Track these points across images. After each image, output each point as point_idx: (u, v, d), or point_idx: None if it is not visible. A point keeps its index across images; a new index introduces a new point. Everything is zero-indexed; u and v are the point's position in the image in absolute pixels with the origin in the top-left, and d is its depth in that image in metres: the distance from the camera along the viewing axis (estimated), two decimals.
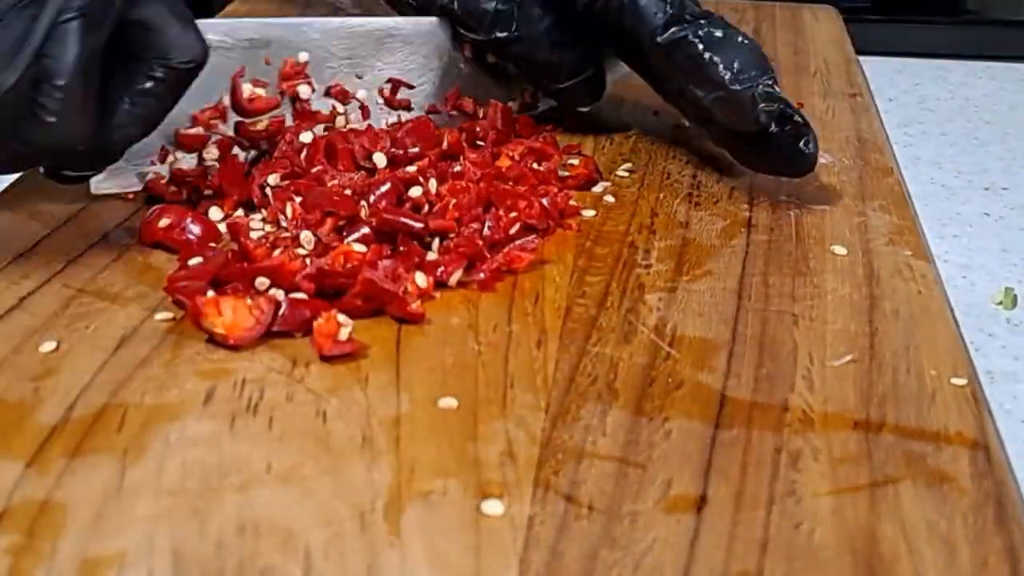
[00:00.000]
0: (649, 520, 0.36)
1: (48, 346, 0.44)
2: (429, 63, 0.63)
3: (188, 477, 0.37)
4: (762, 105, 0.55)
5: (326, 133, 0.58)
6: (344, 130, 0.58)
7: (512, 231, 0.52)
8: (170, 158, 0.55)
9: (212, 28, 0.54)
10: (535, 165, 0.58)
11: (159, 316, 0.46)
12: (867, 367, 0.44)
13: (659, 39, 0.58)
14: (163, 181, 0.55)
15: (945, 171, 0.71)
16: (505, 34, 0.60)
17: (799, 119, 0.57)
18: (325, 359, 0.44)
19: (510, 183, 0.55)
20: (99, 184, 0.54)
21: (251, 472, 0.37)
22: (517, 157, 0.58)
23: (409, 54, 0.62)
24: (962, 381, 0.43)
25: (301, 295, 0.46)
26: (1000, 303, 0.55)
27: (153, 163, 0.55)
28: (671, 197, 0.59)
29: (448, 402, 0.41)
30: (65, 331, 0.45)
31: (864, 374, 0.44)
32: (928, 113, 0.75)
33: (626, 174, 0.61)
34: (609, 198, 0.58)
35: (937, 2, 1.04)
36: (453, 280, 0.49)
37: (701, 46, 0.57)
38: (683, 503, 0.37)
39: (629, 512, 0.36)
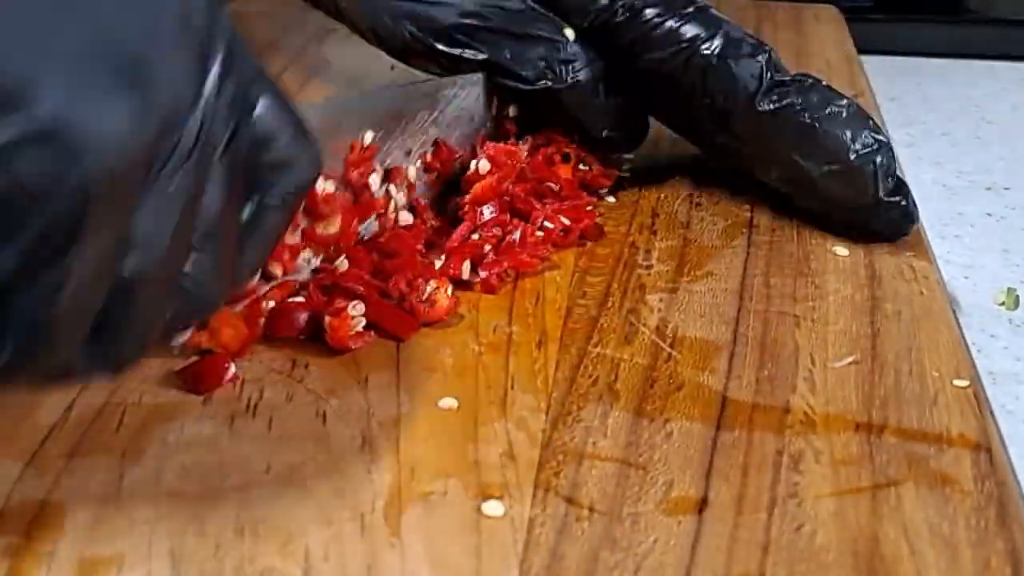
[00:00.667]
0: (650, 522, 0.36)
1: None
2: (462, 121, 0.55)
3: (187, 478, 0.37)
4: (883, 181, 0.52)
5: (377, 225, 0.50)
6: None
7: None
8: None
9: None
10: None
11: None
12: (869, 368, 0.44)
13: (760, 106, 0.53)
14: None
15: (947, 171, 0.71)
16: (551, 84, 0.55)
17: (907, 186, 0.54)
18: (326, 358, 0.43)
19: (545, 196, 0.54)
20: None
21: (250, 473, 0.37)
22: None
23: (445, 114, 0.54)
24: (964, 382, 0.43)
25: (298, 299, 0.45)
26: (1002, 304, 0.55)
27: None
28: (672, 197, 0.58)
29: (448, 403, 0.41)
30: None
31: (866, 375, 0.44)
32: (930, 113, 0.75)
33: (627, 174, 0.61)
34: (610, 198, 0.58)
35: (939, 1, 1.04)
36: (465, 273, 0.48)
37: (808, 115, 0.53)
38: (684, 505, 0.36)
39: (630, 514, 0.36)
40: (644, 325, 0.47)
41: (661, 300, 0.49)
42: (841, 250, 0.53)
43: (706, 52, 0.54)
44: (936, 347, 0.46)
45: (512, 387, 0.42)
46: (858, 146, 0.52)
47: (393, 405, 0.41)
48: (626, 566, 0.34)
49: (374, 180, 0.49)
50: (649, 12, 0.54)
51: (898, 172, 0.53)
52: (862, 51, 0.87)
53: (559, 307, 0.48)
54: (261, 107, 0.33)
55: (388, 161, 0.51)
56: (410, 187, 0.52)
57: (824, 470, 0.38)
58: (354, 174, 0.48)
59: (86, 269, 0.28)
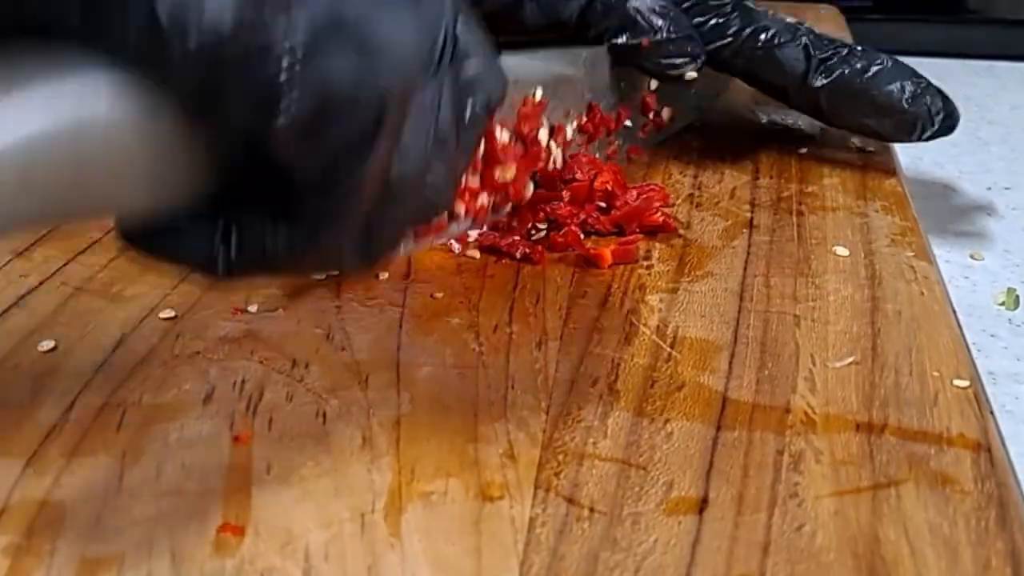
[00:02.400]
0: (650, 522, 0.36)
1: (47, 345, 0.44)
2: (609, 92, 0.60)
3: (187, 478, 0.37)
4: (937, 116, 0.59)
5: (538, 179, 0.54)
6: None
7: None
8: None
9: None
10: None
11: (159, 315, 0.46)
12: (869, 368, 0.44)
13: (814, 84, 0.60)
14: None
15: (947, 171, 0.71)
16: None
17: (949, 105, 0.60)
18: (326, 357, 0.43)
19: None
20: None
21: (251, 473, 0.37)
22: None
23: (596, 83, 0.59)
24: (964, 383, 0.43)
25: None
26: (1002, 304, 0.55)
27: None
28: (672, 198, 0.58)
29: (448, 402, 0.41)
30: (64, 330, 0.45)
31: (866, 375, 0.44)
32: None
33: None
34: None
35: (939, 1, 1.04)
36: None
37: (859, 80, 0.59)
38: (685, 505, 0.36)
39: (630, 514, 0.36)
40: (644, 325, 0.47)
41: (661, 300, 0.49)
42: (841, 250, 0.53)
43: (751, 45, 0.60)
44: (936, 347, 0.46)
45: (512, 387, 0.42)
46: (907, 95, 0.59)
47: (393, 405, 0.41)
48: (626, 566, 0.34)
49: (543, 134, 0.52)
50: (692, 12, 0.60)
51: (940, 101, 0.60)
52: None
53: (559, 307, 0.48)
54: (463, 30, 0.34)
55: (551, 119, 0.54)
56: (566, 144, 0.56)
57: (824, 470, 0.38)
58: (525, 127, 0.51)
59: (376, 171, 0.30)
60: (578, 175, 0.56)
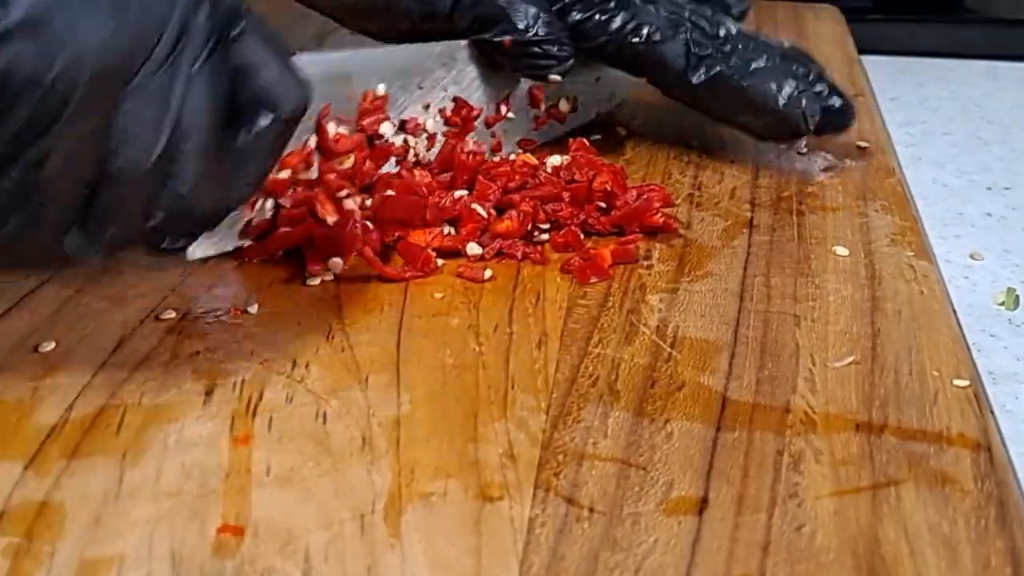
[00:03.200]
0: (650, 522, 0.36)
1: (47, 346, 0.44)
2: (484, 85, 0.61)
3: (187, 479, 0.37)
4: (812, 118, 0.59)
5: (398, 169, 0.56)
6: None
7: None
8: (259, 204, 0.49)
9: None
10: None
11: (159, 316, 0.46)
12: (869, 368, 0.44)
13: (693, 80, 0.60)
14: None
15: (947, 171, 0.71)
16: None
17: (841, 103, 0.61)
18: (326, 358, 0.43)
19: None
20: (195, 250, 0.46)
21: (251, 474, 0.37)
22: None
23: (466, 76, 0.60)
24: (964, 382, 0.43)
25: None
26: (1002, 304, 0.55)
27: (246, 217, 0.49)
28: (672, 198, 0.58)
29: (448, 403, 0.41)
30: (64, 331, 0.45)
31: (866, 375, 0.44)
32: (930, 113, 0.75)
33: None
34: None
35: (938, 1, 1.04)
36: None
37: (737, 77, 0.59)
38: (685, 505, 0.36)
39: (630, 514, 0.36)
40: (644, 325, 0.47)
41: (661, 300, 0.49)
42: (841, 250, 0.53)
43: (634, 41, 0.60)
44: (936, 347, 0.46)
45: (512, 387, 0.42)
46: (783, 96, 0.59)
47: (393, 405, 0.41)
48: (626, 566, 0.34)
49: (386, 128, 0.54)
50: (576, 9, 0.60)
51: (833, 100, 0.61)
52: (862, 51, 0.87)
53: (559, 307, 0.48)
54: (246, 40, 0.38)
55: (407, 113, 0.56)
56: (430, 138, 0.57)
57: (824, 470, 0.38)
58: (366, 121, 0.53)
59: (69, 148, 0.34)
60: (577, 176, 0.56)
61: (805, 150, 0.66)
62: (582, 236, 0.53)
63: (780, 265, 0.52)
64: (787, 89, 0.59)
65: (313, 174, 0.49)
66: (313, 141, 0.49)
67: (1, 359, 0.43)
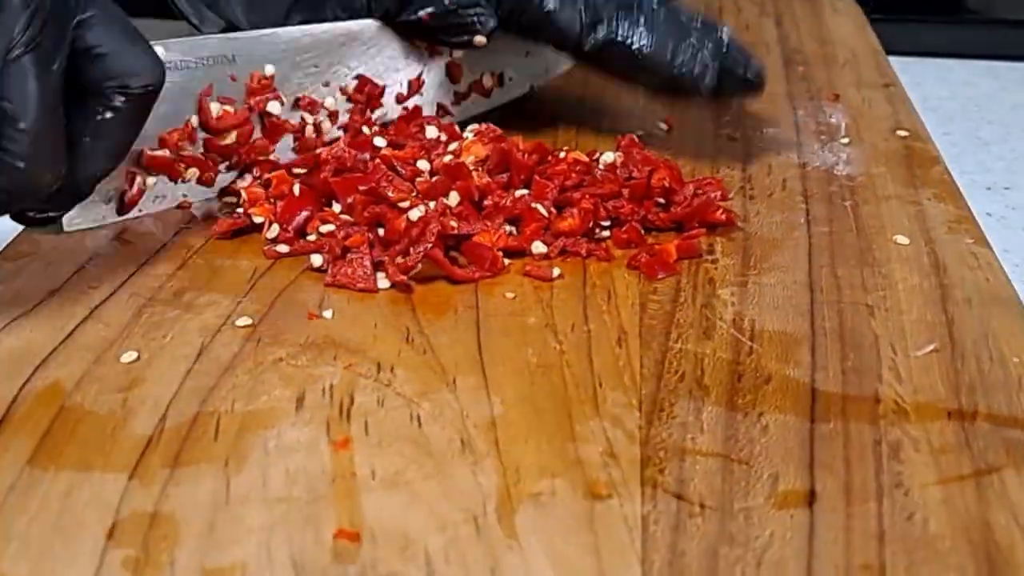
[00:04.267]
0: (763, 516, 0.36)
1: (129, 356, 0.44)
2: (395, 63, 0.63)
3: (294, 485, 0.37)
4: (706, 81, 0.60)
5: (295, 145, 0.58)
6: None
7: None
8: (138, 180, 0.53)
9: (174, 47, 0.52)
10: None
11: (237, 323, 0.46)
12: (950, 356, 0.44)
13: (586, 47, 0.61)
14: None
15: (947, 166, 0.71)
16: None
17: (741, 70, 0.61)
18: (410, 361, 0.43)
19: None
20: (72, 221, 0.50)
21: (356, 478, 0.37)
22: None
23: (373, 56, 0.62)
24: None
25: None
26: None
27: (123, 190, 0.52)
28: (725, 190, 0.58)
29: (539, 402, 0.41)
30: (143, 341, 0.45)
31: (948, 363, 0.44)
32: (930, 113, 0.75)
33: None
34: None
35: (939, 1, 1.05)
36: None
37: (630, 42, 0.60)
38: (794, 498, 0.36)
39: (742, 509, 0.36)
40: (720, 319, 0.47)
41: (732, 294, 0.49)
42: (902, 239, 0.53)
43: (531, 8, 0.61)
44: (1011, 333, 0.46)
45: (600, 385, 0.42)
46: (678, 61, 0.60)
47: (485, 406, 0.41)
48: (747, 561, 0.34)
49: (274, 106, 0.57)
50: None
51: (730, 59, 0.60)
52: None
53: (632, 303, 0.48)
54: (93, 25, 0.44)
55: (307, 91, 0.59)
56: (332, 114, 0.60)
57: (924, 458, 0.38)
58: (252, 100, 0.56)
59: None
60: (635, 172, 0.56)
61: (847, 140, 0.66)
62: (643, 232, 0.53)
63: (844, 256, 0.52)
64: (680, 55, 0.60)
65: (199, 150, 0.54)
66: (195, 120, 0.54)
67: (85, 370, 0.43)
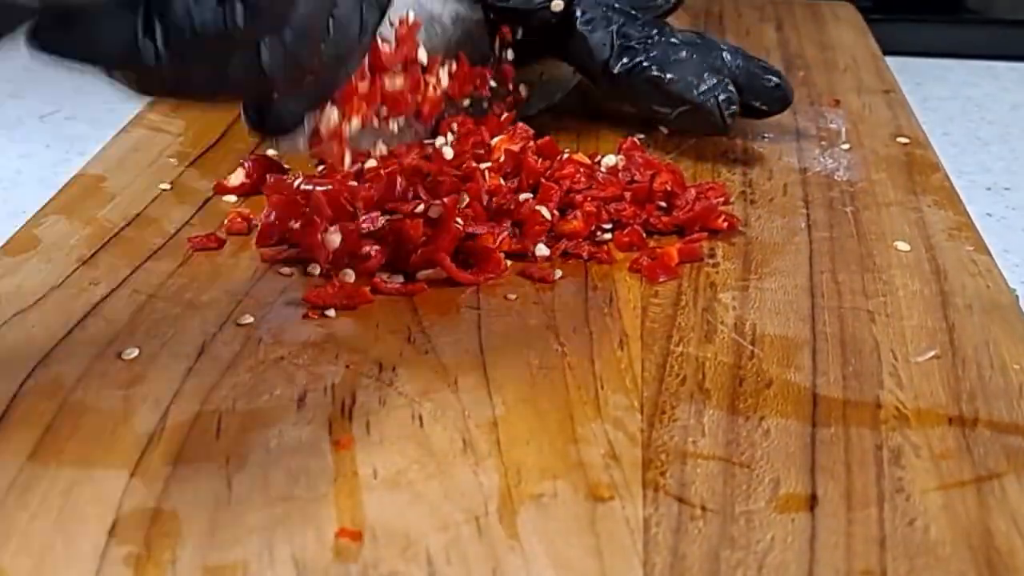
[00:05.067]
0: (764, 520, 0.36)
1: (131, 353, 0.43)
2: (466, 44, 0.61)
3: (295, 484, 0.37)
4: (727, 111, 0.61)
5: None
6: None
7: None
8: (326, 112, 0.48)
9: None
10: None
11: (237, 321, 0.46)
12: (951, 363, 0.44)
13: (614, 70, 0.62)
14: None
15: (947, 171, 0.71)
16: None
17: (777, 82, 0.63)
18: (411, 361, 0.43)
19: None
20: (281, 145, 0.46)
21: (358, 478, 0.37)
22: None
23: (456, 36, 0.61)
24: None
25: None
26: None
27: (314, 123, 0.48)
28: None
29: (541, 404, 0.41)
30: (145, 338, 0.45)
31: (949, 369, 0.44)
32: (930, 113, 0.76)
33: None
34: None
35: (939, 1, 1.05)
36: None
37: (655, 69, 0.62)
38: (795, 502, 0.37)
39: (743, 512, 0.36)
40: (722, 323, 0.47)
41: (734, 298, 0.49)
42: (902, 245, 0.54)
43: (564, 29, 0.63)
44: (1012, 340, 0.46)
45: (602, 387, 0.42)
46: (702, 87, 0.61)
47: (487, 407, 0.41)
48: (748, 564, 0.34)
49: (422, 54, 0.53)
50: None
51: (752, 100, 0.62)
52: None
53: (634, 306, 0.48)
54: None
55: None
56: (437, 85, 0.55)
57: (925, 464, 0.38)
58: (404, 47, 0.52)
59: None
60: (637, 176, 0.56)
61: (847, 146, 0.66)
62: (644, 235, 0.53)
63: (845, 261, 0.52)
64: (706, 82, 0.61)
65: (365, 87, 0.50)
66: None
67: (87, 367, 0.43)
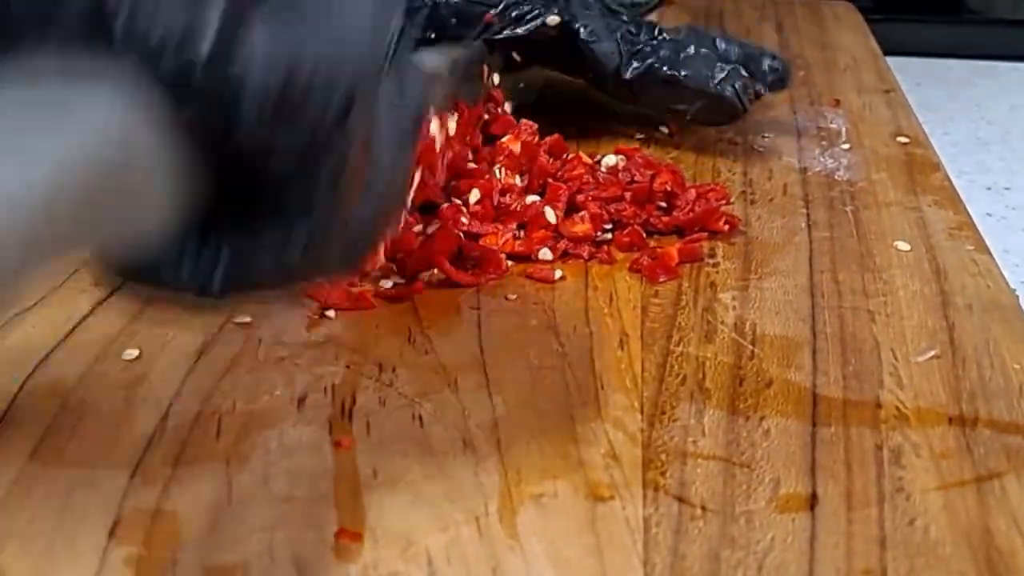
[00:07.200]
0: (764, 520, 0.36)
1: (131, 354, 0.44)
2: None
3: (296, 484, 0.37)
4: (744, 98, 0.62)
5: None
6: None
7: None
8: None
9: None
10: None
11: (236, 321, 0.46)
12: (951, 362, 0.44)
13: (626, 75, 0.63)
14: None
15: (947, 171, 0.71)
16: None
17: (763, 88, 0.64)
18: (411, 361, 0.43)
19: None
20: None
21: (358, 478, 0.37)
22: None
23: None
24: None
25: None
26: None
27: None
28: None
29: (541, 404, 0.41)
30: (145, 339, 0.45)
31: (949, 369, 0.44)
32: (930, 113, 0.75)
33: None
34: None
35: (939, 1, 1.05)
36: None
37: (668, 68, 0.62)
38: (795, 502, 0.37)
39: (743, 512, 0.36)
40: (722, 323, 0.47)
41: (734, 298, 0.49)
42: (903, 245, 0.54)
43: (569, 42, 0.63)
44: (1012, 340, 0.46)
45: (602, 387, 0.42)
46: (717, 78, 0.61)
47: (487, 407, 0.41)
48: (748, 564, 0.34)
49: (434, 126, 0.51)
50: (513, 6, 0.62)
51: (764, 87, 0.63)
52: None
53: (634, 306, 0.48)
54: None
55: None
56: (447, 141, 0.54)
57: (925, 464, 0.38)
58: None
59: (356, 160, 0.30)
60: (637, 176, 0.56)
61: (847, 145, 0.66)
62: (644, 235, 0.53)
63: (845, 261, 0.52)
64: (719, 73, 0.61)
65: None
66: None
67: (88, 367, 0.43)
